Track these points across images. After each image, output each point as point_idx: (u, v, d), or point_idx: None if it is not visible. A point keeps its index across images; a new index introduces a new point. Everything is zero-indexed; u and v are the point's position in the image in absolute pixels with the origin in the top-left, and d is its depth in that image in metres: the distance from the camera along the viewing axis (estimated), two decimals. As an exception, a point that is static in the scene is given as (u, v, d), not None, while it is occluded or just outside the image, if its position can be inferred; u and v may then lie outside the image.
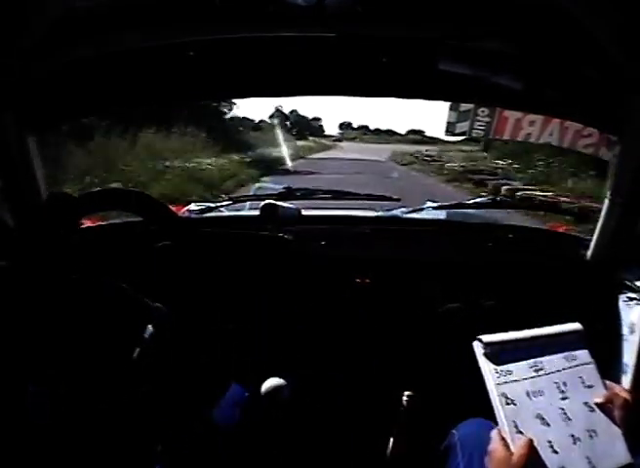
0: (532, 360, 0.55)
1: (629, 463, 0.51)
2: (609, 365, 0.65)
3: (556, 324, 0.60)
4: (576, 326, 0.60)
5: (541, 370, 0.55)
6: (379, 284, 1.09)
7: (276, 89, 1.05)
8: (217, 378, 0.97)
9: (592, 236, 0.99)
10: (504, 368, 0.53)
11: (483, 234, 1.20)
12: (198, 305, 0.88)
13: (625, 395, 0.53)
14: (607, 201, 0.91)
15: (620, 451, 0.52)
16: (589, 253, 0.99)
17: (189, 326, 0.86)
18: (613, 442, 0.52)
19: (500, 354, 0.54)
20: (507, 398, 0.51)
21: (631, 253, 0.92)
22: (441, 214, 1.28)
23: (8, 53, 0.70)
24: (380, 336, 1.07)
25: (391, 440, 0.91)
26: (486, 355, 0.53)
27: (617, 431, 0.53)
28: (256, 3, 0.70)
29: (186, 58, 0.84)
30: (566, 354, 0.57)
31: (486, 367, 0.53)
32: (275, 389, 0.91)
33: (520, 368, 0.54)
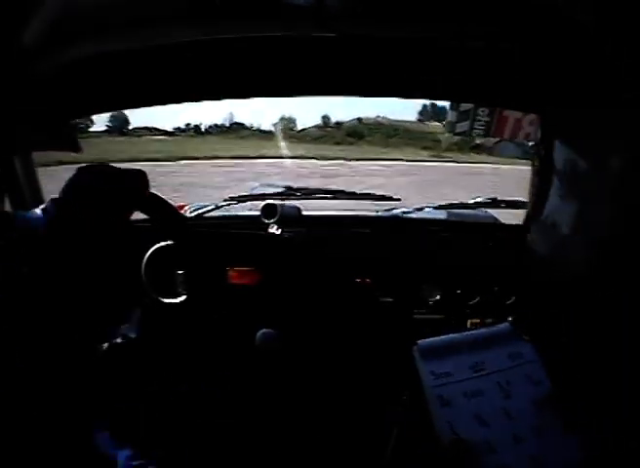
0: (472, 361, 0.55)
1: (580, 460, 0.50)
2: (605, 366, 0.65)
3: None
4: (505, 325, 0.59)
5: (482, 370, 0.54)
6: (378, 283, 1.09)
7: (275, 89, 1.05)
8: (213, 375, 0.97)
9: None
10: (442, 370, 0.53)
11: (483, 234, 1.20)
12: (198, 304, 0.88)
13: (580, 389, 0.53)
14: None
15: (570, 448, 0.50)
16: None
17: (188, 324, 0.87)
18: (562, 439, 0.51)
19: (438, 356, 0.54)
20: (443, 399, 0.51)
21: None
22: (441, 215, 1.28)
23: (8, 53, 0.70)
24: (380, 337, 1.07)
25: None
26: (423, 358, 0.54)
27: (566, 428, 0.51)
28: (255, 3, 0.70)
29: (185, 58, 0.84)
30: (510, 352, 0.56)
31: (423, 369, 0.53)
32: (267, 337, 0.91)
33: (459, 369, 0.54)
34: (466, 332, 0.58)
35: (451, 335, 0.56)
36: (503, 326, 0.59)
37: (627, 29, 0.62)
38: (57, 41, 0.73)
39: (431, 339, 0.55)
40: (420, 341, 0.55)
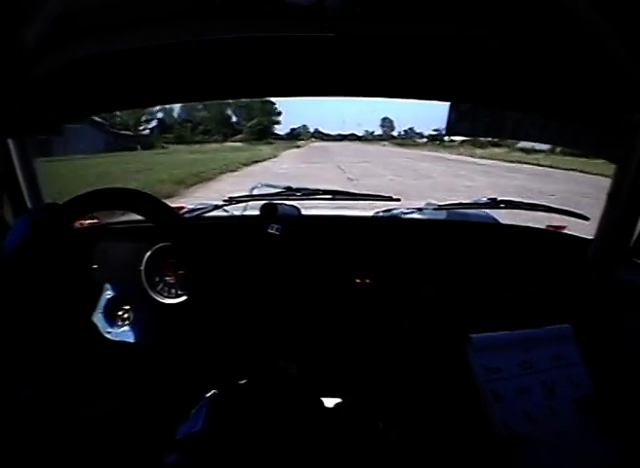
0: (521, 358, 0.57)
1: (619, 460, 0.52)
2: (604, 363, 0.65)
3: (554, 322, 0.61)
4: (565, 327, 0.61)
5: (530, 368, 0.56)
6: (378, 284, 1.09)
7: (276, 89, 1.05)
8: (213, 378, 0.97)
9: (592, 236, 0.99)
10: (494, 365, 0.55)
11: (483, 234, 1.20)
12: (199, 305, 0.88)
13: (612, 394, 0.54)
14: (607, 201, 0.91)
15: (606, 448, 0.53)
16: (589, 252, 0.99)
17: (188, 324, 0.86)
18: (599, 439, 0.53)
19: (491, 352, 0.55)
20: (496, 394, 0.52)
21: (631, 253, 0.92)
22: (441, 215, 1.27)
23: (8, 53, 0.70)
24: (380, 337, 1.07)
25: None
26: (476, 353, 0.55)
27: (602, 429, 0.53)
28: (256, 3, 0.70)
29: (186, 58, 0.84)
30: (555, 353, 0.58)
31: (476, 364, 0.54)
32: (284, 364, 0.93)
33: (509, 366, 0.55)
34: (517, 331, 0.59)
35: (503, 332, 0.58)
36: (556, 328, 0.61)
37: (629, 28, 0.62)
38: (57, 41, 0.73)
39: (484, 334, 0.57)
40: (473, 336, 0.56)
